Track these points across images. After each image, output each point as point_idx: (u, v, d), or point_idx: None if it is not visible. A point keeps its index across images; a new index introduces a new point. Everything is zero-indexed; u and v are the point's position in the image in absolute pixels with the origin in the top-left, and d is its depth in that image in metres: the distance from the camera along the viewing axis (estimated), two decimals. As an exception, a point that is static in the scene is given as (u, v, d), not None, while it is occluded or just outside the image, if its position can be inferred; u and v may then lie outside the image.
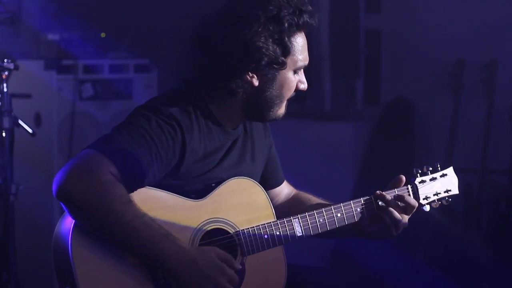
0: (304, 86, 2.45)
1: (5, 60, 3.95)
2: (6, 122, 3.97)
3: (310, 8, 2.41)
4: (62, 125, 5.06)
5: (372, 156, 5.78)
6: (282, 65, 2.37)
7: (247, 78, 2.37)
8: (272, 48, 2.34)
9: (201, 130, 2.38)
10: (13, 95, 4.05)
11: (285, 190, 2.74)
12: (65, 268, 2.21)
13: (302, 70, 2.45)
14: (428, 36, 5.79)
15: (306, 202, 2.67)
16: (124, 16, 5.64)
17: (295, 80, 2.43)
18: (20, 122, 4.04)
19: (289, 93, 2.43)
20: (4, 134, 3.98)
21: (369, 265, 5.06)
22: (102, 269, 2.22)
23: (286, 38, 2.35)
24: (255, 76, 2.37)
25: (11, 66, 3.95)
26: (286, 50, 2.36)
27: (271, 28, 2.33)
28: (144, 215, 2.23)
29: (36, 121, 4.98)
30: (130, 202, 2.22)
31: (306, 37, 2.44)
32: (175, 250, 2.25)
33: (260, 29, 2.32)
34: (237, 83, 2.37)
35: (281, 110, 2.45)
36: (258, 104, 2.42)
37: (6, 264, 4.00)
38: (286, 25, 2.34)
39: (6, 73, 3.97)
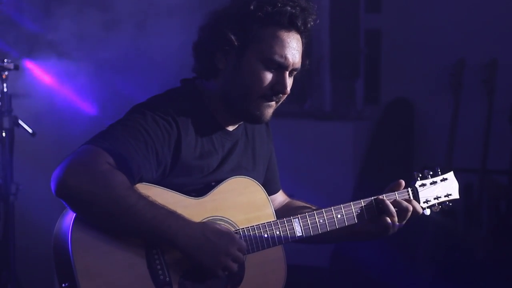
0: (281, 88, 2.38)
1: (5, 60, 3.96)
2: (6, 122, 3.98)
3: (309, 16, 2.39)
4: (62, 125, 5.06)
5: (372, 156, 5.79)
6: (239, 50, 2.35)
7: (215, 60, 2.38)
8: (232, 28, 2.34)
9: (197, 127, 2.39)
10: (13, 95, 4.06)
11: (279, 198, 2.75)
12: (65, 264, 2.21)
13: (284, 72, 2.38)
14: (428, 36, 5.79)
15: (299, 208, 2.67)
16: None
17: (267, 75, 2.36)
18: (20, 122, 4.04)
19: (257, 85, 2.36)
20: (4, 134, 3.98)
21: (369, 265, 5.06)
22: (101, 264, 2.22)
23: (251, 22, 2.34)
24: (222, 58, 2.38)
25: (11, 66, 3.96)
26: (248, 34, 2.35)
27: (237, 9, 2.35)
28: (147, 197, 2.24)
29: (36, 121, 4.97)
30: (131, 187, 2.22)
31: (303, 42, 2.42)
32: (183, 225, 2.26)
33: (226, 9, 2.37)
34: (208, 64, 2.39)
35: (258, 109, 2.40)
36: (230, 94, 2.40)
37: (6, 264, 4.00)
38: (252, 7, 2.34)
39: (6, 73, 3.97)
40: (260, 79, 2.36)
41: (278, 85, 2.38)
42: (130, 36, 5.38)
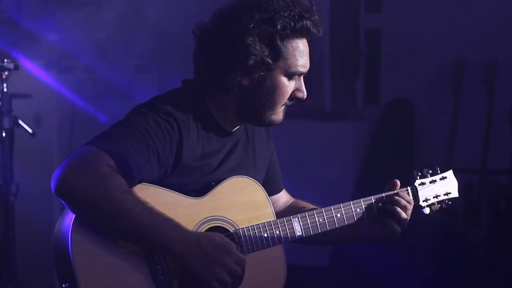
0: (302, 94, 2.43)
1: (5, 60, 3.96)
2: (6, 122, 3.98)
3: (316, 17, 2.40)
4: (62, 125, 5.07)
5: (372, 156, 5.79)
6: (269, 67, 2.36)
7: (237, 77, 2.37)
8: (260, 47, 2.33)
9: (199, 128, 2.40)
10: (13, 95, 4.05)
11: (283, 198, 2.74)
12: (65, 264, 2.21)
13: (301, 78, 2.43)
14: (428, 36, 5.79)
15: (303, 208, 2.65)
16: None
17: (289, 86, 2.41)
18: (20, 122, 4.04)
19: (282, 98, 2.41)
20: (4, 134, 3.98)
21: (369, 265, 5.06)
22: (101, 265, 2.22)
23: (278, 41, 2.35)
24: (244, 75, 2.38)
25: (11, 66, 3.95)
26: (276, 53, 2.35)
27: (263, 28, 2.33)
28: (145, 202, 2.24)
29: (36, 121, 4.98)
30: (129, 191, 2.23)
31: (308, 42, 2.43)
32: (179, 233, 2.25)
33: (251, 28, 2.33)
34: (228, 80, 2.37)
35: (276, 116, 2.43)
36: (250, 106, 2.42)
37: (6, 264, 4.00)
38: (279, 27, 2.33)
39: (6, 73, 3.97)
40: (286, 92, 2.40)
41: (298, 92, 2.43)
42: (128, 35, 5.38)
